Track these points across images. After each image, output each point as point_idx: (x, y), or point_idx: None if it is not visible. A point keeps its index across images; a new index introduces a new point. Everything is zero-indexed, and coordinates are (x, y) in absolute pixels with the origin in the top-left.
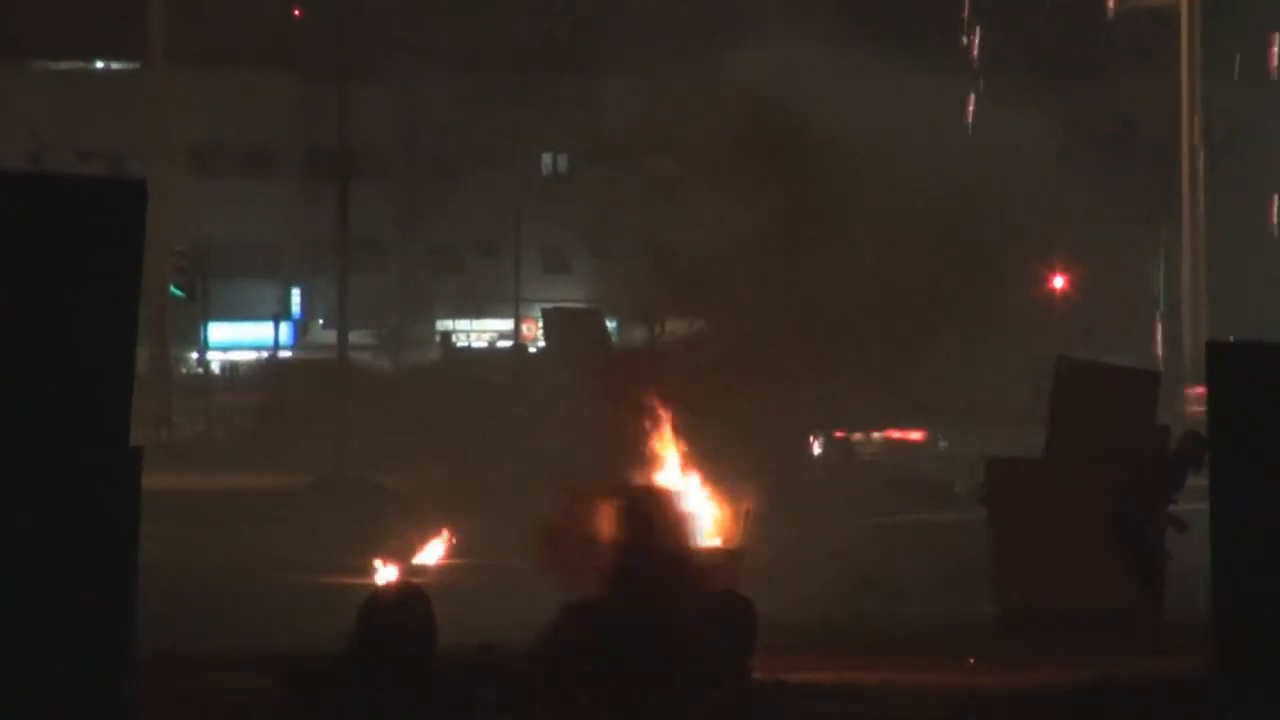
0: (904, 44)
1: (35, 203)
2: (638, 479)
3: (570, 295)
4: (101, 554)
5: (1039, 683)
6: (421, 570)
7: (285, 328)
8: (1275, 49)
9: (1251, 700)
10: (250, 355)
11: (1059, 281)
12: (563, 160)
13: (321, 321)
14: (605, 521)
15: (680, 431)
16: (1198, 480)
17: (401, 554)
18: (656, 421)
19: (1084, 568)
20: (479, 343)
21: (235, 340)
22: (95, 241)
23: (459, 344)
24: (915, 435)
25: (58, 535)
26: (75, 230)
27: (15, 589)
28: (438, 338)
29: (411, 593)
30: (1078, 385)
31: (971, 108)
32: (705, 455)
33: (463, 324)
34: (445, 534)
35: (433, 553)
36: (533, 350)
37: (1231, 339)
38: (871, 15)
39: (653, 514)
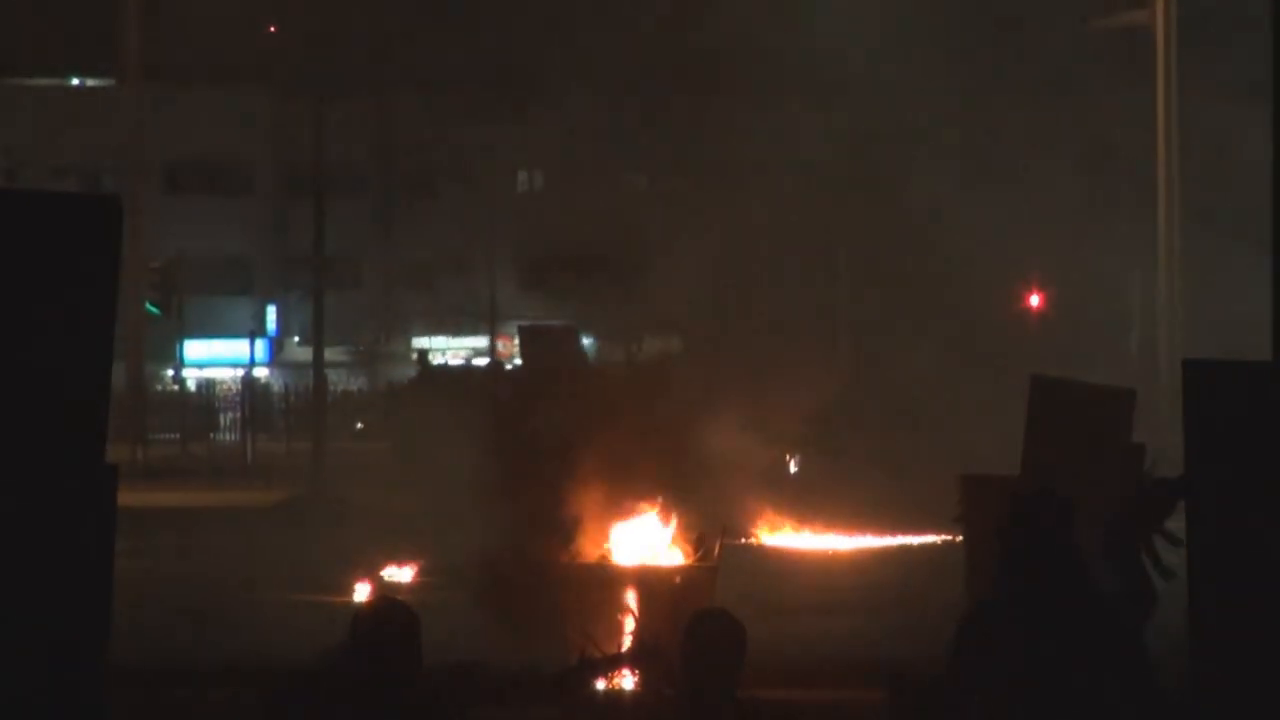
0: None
1: (8, 219)
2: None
3: (547, 312)
4: (75, 572)
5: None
6: (394, 588)
7: (261, 344)
8: None
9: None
10: (226, 372)
11: (1035, 300)
12: (539, 177)
13: (297, 339)
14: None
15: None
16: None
17: (375, 572)
18: (631, 439)
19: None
20: (455, 360)
21: (211, 357)
22: (70, 258)
23: (435, 361)
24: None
25: (30, 553)
26: (49, 247)
27: None
28: (414, 354)
29: (399, 609)
30: (1052, 403)
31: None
32: (683, 471)
33: (439, 341)
34: (415, 553)
35: (405, 571)
36: (509, 367)
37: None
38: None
39: None
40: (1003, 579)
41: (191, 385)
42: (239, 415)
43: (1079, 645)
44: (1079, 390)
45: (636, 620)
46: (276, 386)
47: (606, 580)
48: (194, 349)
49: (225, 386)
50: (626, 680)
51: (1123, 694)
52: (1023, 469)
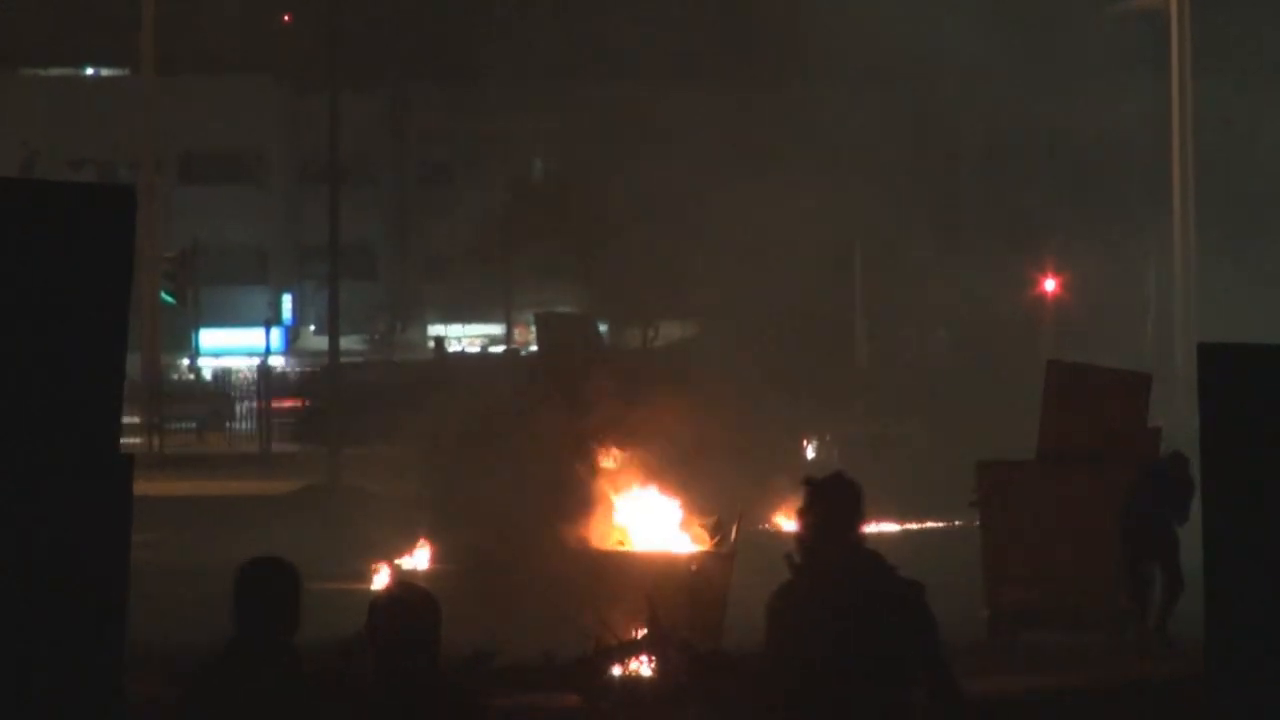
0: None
1: (24, 209)
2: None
3: (564, 300)
4: (92, 562)
5: (1030, 686)
6: (411, 575)
7: (277, 333)
8: None
9: (1242, 704)
10: (242, 361)
11: (1050, 284)
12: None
13: (313, 327)
14: None
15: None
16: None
17: (392, 559)
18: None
19: (1075, 570)
20: (471, 348)
21: (227, 346)
22: (85, 247)
23: (452, 349)
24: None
25: (46, 543)
26: (64, 237)
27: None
28: (430, 343)
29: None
30: (1068, 388)
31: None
32: (699, 458)
33: (454, 329)
34: (427, 540)
35: (421, 558)
36: (524, 355)
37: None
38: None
39: None
40: (803, 561)
41: (208, 374)
42: (255, 405)
43: (871, 624)
44: (1096, 375)
45: (652, 607)
46: (292, 376)
47: (623, 566)
48: (210, 338)
49: (241, 375)
50: (644, 666)
51: (914, 673)
52: (1038, 451)
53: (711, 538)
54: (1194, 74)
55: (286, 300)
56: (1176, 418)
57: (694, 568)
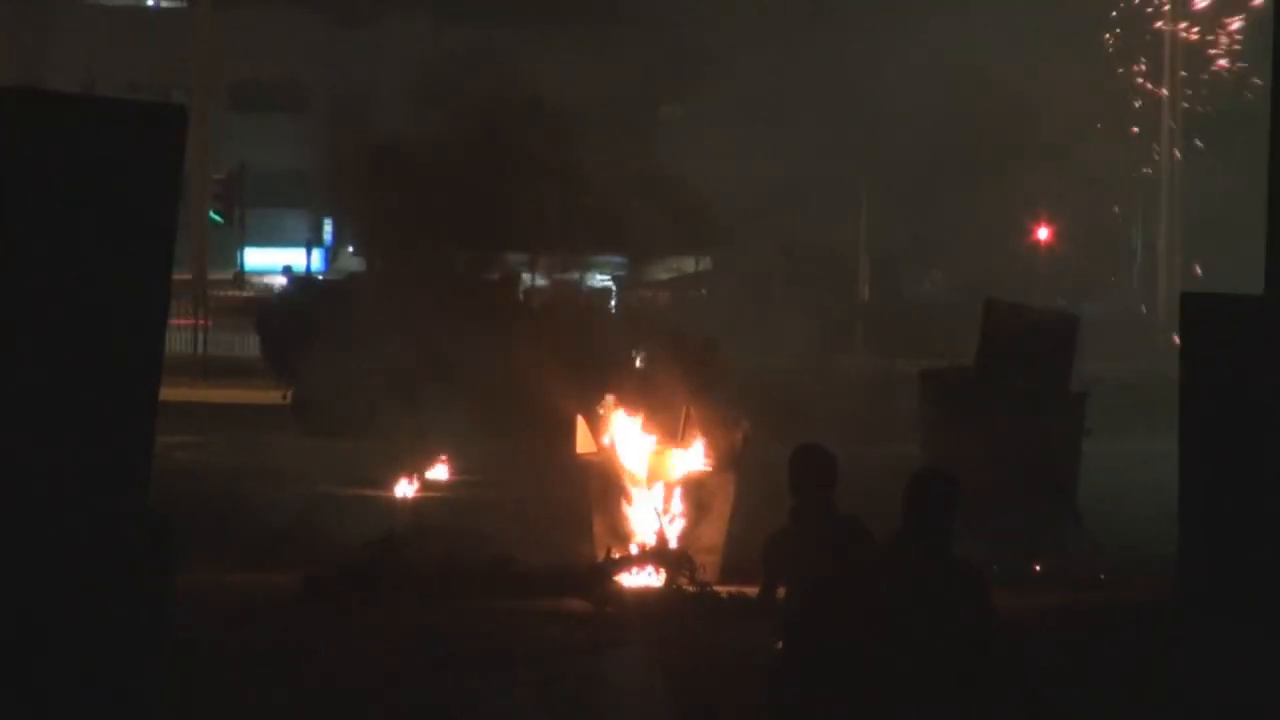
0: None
1: (80, 123)
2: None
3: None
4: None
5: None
6: (434, 485)
7: (317, 254)
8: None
9: (1212, 629)
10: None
11: (1043, 233)
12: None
13: (351, 248)
14: None
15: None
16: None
17: (415, 470)
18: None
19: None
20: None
21: (269, 265)
22: (137, 161)
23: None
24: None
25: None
26: (118, 150)
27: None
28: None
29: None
30: (1002, 325)
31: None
32: (707, 381)
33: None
34: (447, 455)
35: (442, 470)
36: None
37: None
38: None
39: None
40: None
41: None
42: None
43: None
44: (1028, 313)
45: (659, 520)
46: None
47: (630, 479)
48: (254, 256)
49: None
50: (650, 576)
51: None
52: (974, 374)
53: (716, 455)
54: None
55: (327, 223)
56: (1161, 361)
57: (700, 481)
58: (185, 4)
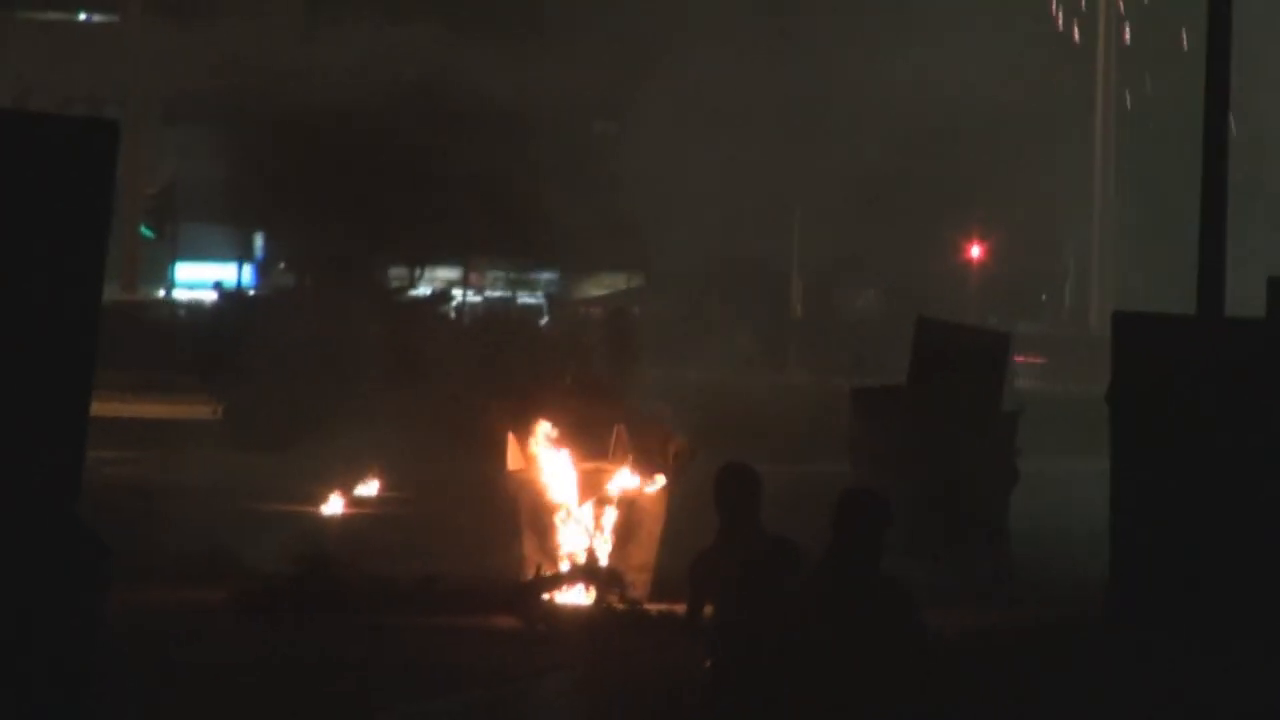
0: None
1: (10, 138)
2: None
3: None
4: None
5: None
6: (364, 502)
7: (248, 270)
8: None
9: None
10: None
11: (976, 251)
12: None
13: (283, 264)
14: None
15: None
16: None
17: (344, 486)
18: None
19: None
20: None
21: (200, 280)
22: (67, 177)
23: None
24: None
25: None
26: (48, 166)
27: None
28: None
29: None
30: (934, 343)
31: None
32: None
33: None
34: (376, 471)
35: (371, 487)
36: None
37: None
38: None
39: None
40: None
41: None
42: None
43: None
44: (960, 331)
45: (590, 538)
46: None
47: (561, 496)
48: (185, 271)
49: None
50: (579, 594)
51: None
52: (906, 390)
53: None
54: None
55: (258, 239)
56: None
57: (630, 499)
58: (118, 18)
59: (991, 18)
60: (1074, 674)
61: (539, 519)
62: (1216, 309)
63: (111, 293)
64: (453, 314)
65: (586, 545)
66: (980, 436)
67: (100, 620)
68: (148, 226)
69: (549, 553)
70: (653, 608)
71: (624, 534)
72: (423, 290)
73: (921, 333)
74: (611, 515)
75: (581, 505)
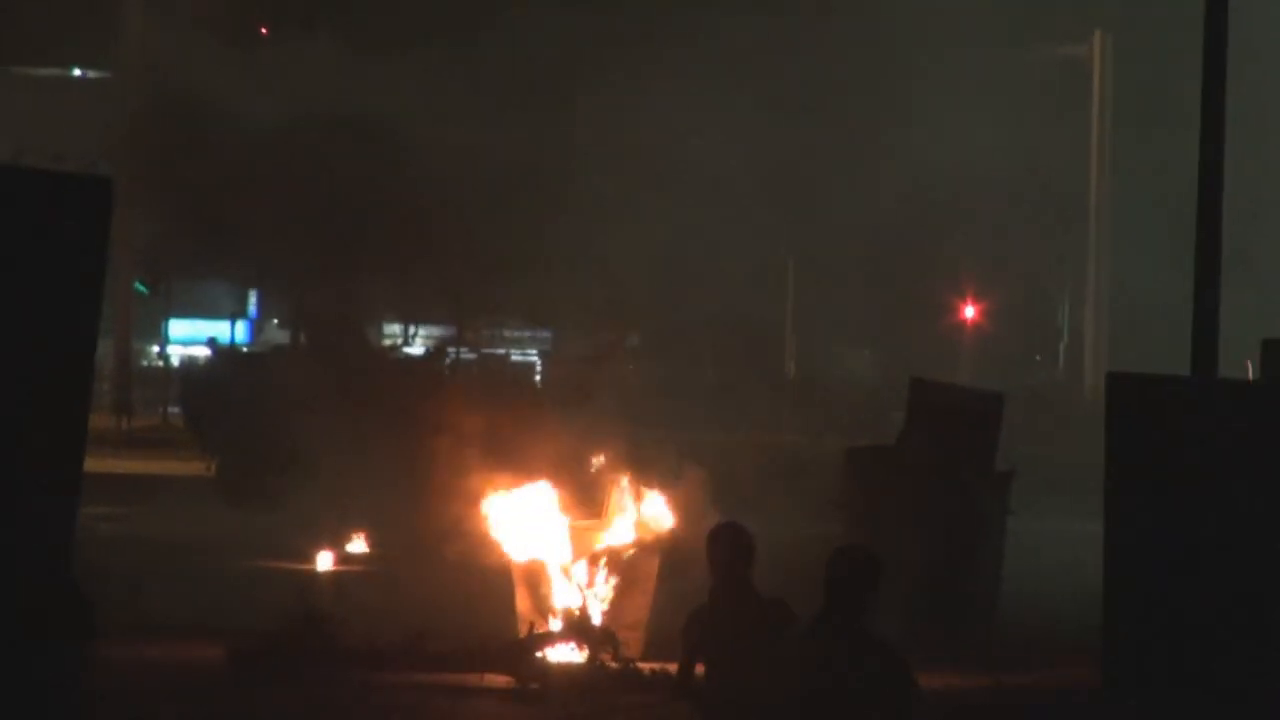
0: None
1: (4, 195)
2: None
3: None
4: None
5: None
6: (355, 559)
7: (241, 326)
8: None
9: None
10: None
11: (970, 311)
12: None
13: (276, 320)
14: None
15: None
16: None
17: (335, 543)
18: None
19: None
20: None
21: (194, 336)
22: (62, 235)
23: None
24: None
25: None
26: (43, 223)
27: None
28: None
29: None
30: (928, 403)
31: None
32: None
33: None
34: (365, 529)
35: (359, 544)
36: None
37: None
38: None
39: None
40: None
41: (175, 361)
42: None
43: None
44: (954, 392)
45: (582, 597)
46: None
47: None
48: (178, 328)
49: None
50: (573, 652)
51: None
52: (899, 450)
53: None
54: (1111, 118)
55: (252, 295)
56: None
57: (622, 559)
58: (110, 74)
59: (995, 85)
60: None
61: (531, 577)
62: (1210, 369)
63: (105, 348)
64: (446, 371)
65: (579, 604)
66: (972, 496)
67: (81, 673)
68: (141, 282)
69: (542, 611)
70: (645, 666)
71: (617, 592)
72: (416, 348)
73: (916, 393)
74: (604, 573)
75: (574, 563)
